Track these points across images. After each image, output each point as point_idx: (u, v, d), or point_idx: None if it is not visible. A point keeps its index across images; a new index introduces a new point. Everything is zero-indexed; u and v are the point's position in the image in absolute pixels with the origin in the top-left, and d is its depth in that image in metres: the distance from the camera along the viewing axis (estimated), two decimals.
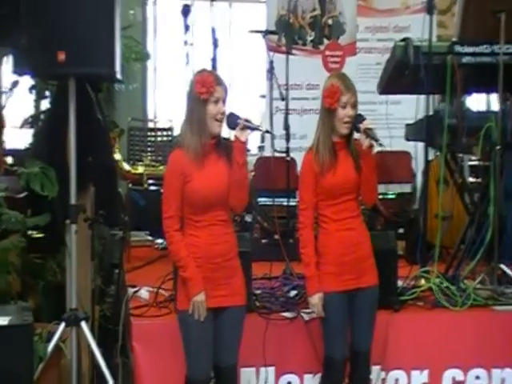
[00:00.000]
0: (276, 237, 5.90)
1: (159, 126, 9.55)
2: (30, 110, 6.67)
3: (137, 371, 4.51)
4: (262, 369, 4.57)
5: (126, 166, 7.43)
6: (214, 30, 5.48)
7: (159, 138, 8.96)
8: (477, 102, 6.08)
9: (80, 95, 4.78)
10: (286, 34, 7.89)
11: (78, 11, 4.45)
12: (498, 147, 5.23)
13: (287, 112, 6.33)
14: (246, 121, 3.76)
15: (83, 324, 4.61)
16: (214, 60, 5.44)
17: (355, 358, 4.17)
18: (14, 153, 7.12)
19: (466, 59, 5.34)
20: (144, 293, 5.15)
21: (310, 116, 8.14)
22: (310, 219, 4.10)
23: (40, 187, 4.83)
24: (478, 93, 6.08)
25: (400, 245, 5.75)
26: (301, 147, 7.41)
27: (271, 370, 4.61)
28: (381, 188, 4.96)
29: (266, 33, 6.74)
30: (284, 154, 6.32)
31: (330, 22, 8.51)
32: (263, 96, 8.26)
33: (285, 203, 6.28)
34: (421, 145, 5.46)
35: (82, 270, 4.88)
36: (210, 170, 3.79)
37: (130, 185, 7.34)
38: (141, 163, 7.75)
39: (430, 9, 5.33)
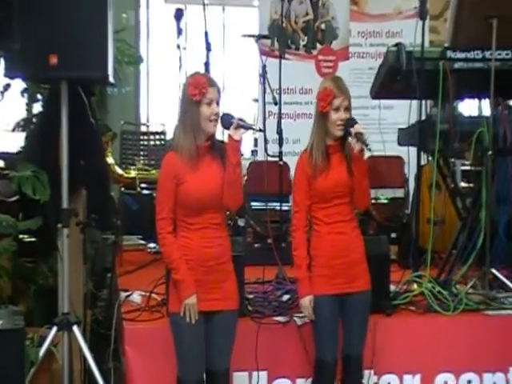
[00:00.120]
0: (269, 241, 5.90)
1: (152, 129, 9.54)
2: (22, 114, 6.67)
3: (129, 375, 4.50)
4: (255, 373, 4.56)
5: (119, 170, 7.41)
6: (206, 34, 5.46)
7: (152, 142, 8.94)
8: (469, 107, 6.09)
9: (72, 99, 4.78)
10: (279, 39, 7.88)
11: (70, 14, 4.47)
12: (490, 152, 5.25)
13: (280, 116, 6.33)
14: (240, 120, 3.78)
15: (75, 328, 4.61)
16: (206, 64, 5.42)
17: (347, 362, 4.18)
18: (5, 156, 7.10)
19: (458, 65, 5.35)
20: (136, 297, 5.14)
21: (303, 120, 8.16)
22: (303, 221, 4.11)
23: (32, 191, 4.81)
24: (470, 98, 6.08)
25: (392, 249, 5.75)
26: (294, 151, 7.44)
27: (264, 374, 4.60)
28: (373, 192, 4.97)
29: (259, 37, 6.73)
30: (277, 159, 6.31)
31: (322, 26, 8.52)
32: (256, 100, 8.28)
33: (278, 207, 6.28)
34: (413, 150, 5.46)
35: (73, 274, 4.86)
36: (204, 172, 3.80)
37: (123, 189, 7.32)
38: (133, 167, 7.72)
39: (422, 14, 5.35)
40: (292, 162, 6.24)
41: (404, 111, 5.48)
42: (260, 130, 4.09)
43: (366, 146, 3.92)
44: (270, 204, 6.32)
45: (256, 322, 4.60)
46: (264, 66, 6.30)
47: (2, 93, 6.18)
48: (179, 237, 3.83)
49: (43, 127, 5.51)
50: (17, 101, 6.50)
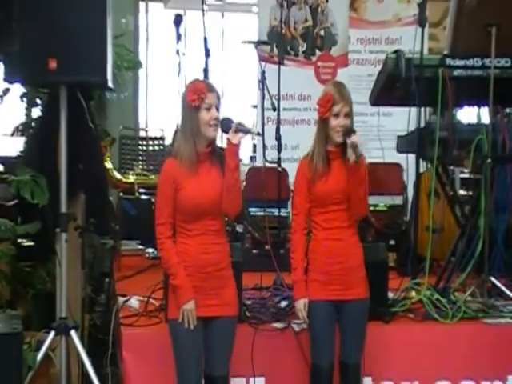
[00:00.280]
0: (267, 247, 5.89)
1: (151, 134, 9.53)
2: (21, 118, 6.66)
3: (126, 381, 4.49)
4: (252, 379, 4.56)
5: (117, 175, 7.42)
6: (206, 40, 5.47)
7: (150, 147, 8.94)
8: (468, 114, 6.09)
9: (71, 103, 4.78)
10: (278, 45, 7.89)
11: (69, 19, 4.47)
12: (489, 160, 5.25)
13: (279, 122, 6.33)
14: (239, 124, 3.78)
15: (73, 333, 4.60)
16: (205, 70, 5.42)
17: (345, 370, 4.16)
18: (4, 160, 7.10)
19: (457, 72, 5.37)
20: (134, 302, 5.13)
21: (302, 126, 8.17)
22: (302, 225, 4.12)
23: (30, 195, 4.81)
24: (469, 106, 6.09)
25: (391, 256, 5.74)
26: (292, 158, 7.47)
27: (261, 380, 4.60)
28: (372, 199, 4.97)
29: (258, 43, 6.74)
30: (275, 165, 6.31)
31: (322, 33, 8.53)
32: (255, 106, 8.29)
33: (276, 214, 6.27)
34: (412, 157, 5.47)
35: (72, 278, 4.86)
36: (203, 178, 3.80)
37: (121, 194, 7.32)
38: (132, 172, 7.73)
39: (421, 21, 5.36)
40: (291, 168, 6.27)
41: (403, 118, 5.50)
42: (258, 134, 4.08)
43: (357, 159, 3.90)
44: (268, 210, 6.32)
45: (254, 328, 4.59)
46: (263, 72, 6.30)
47: (2, 97, 6.18)
48: (178, 243, 3.84)
49: (42, 131, 5.52)
50: (16, 105, 6.49)
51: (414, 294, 5.14)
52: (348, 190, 4.01)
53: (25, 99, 6.41)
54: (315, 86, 8.18)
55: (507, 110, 5.77)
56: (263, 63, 6.44)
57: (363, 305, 4.11)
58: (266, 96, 6.25)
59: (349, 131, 3.96)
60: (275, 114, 6.36)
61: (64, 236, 4.66)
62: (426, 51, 5.53)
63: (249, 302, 5.04)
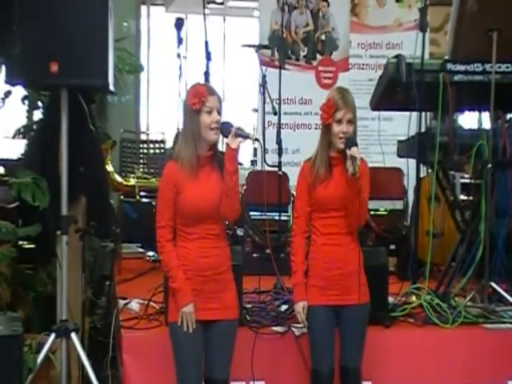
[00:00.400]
0: (267, 251, 5.89)
1: (152, 138, 9.55)
2: (23, 121, 6.67)
3: (126, 383, 4.49)
4: (252, 383, 4.55)
5: (118, 178, 7.42)
6: (207, 44, 5.48)
7: (151, 150, 8.95)
8: (469, 119, 6.10)
9: (72, 106, 4.78)
10: (279, 49, 7.90)
11: (71, 22, 4.47)
12: (490, 165, 5.25)
13: (279, 126, 6.33)
14: (238, 129, 3.78)
15: (73, 335, 4.60)
16: (206, 73, 5.43)
17: (345, 375, 4.16)
18: (5, 163, 7.11)
19: (457, 77, 5.37)
20: (134, 305, 5.14)
21: (303, 131, 8.17)
22: (302, 228, 4.13)
23: (31, 197, 4.82)
24: (470, 111, 6.09)
25: (391, 261, 5.75)
26: (293, 162, 7.48)
27: None
28: (372, 204, 4.97)
29: (259, 47, 6.75)
30: (276, 169, 6.32)
31: (322, 37, 8.53)
32: (256, 110, 8.29)
33: (276, 217, 6.28)
34: (413, 161, 5.47)
35: (72, 281, 4.86)
36: (203, 182, 3.81)
37: (122, 197, 7.32)
38: (133, 175, 7.72)
39: (422, 26, 5.36)
40: (291, 172, 6.28)
41: (404, 123, 5.50)
42: (256, 139, 4.07)
43: (354, 171, 3.88)
44: (268, 214, 6.31)
45: (254, 332, 4.60)
46: (264, 76, 6.31)
47: (3, 100, 6.19)
48: (178, 246, 3.85)
49: (43, 134, 5.52)
50: (17, 108, 6.50)
51: (414, 298, 5.14)
52: (346, 198, 4.01)
53: (26, 102, 6.43)
54: (316, 91, 8.19)
55: (508, 116, 5.76)
56: (264, 67, 6.44)
57: (363, 310, 4.11)
58: (267, 100, 6.25)
59: (350, 142, 3.95)
60: (276, 118, 6.36)
61: (65, 239, 4.67)
62: (426, 56, 5.51)
63: (249, 306, 5.04)
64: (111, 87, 4.73)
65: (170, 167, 3.85)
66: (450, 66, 5.37)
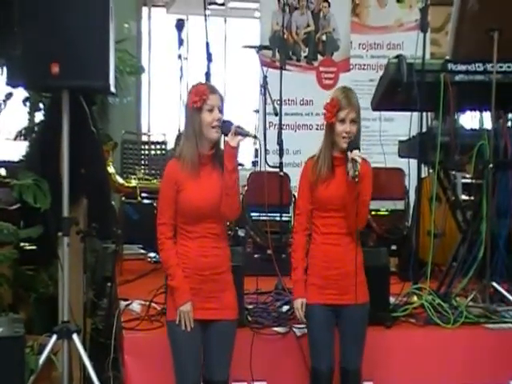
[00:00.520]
0: (269, 252, 5.90)
1: (153, 139, 9.55)
2: (24, 122, 6.68)
3: None
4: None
5: (120, 179, 7.42)
6: (208, 45, 5.48)
7: (153, 152, 8.97)
8: (471, 119, 6.09)
9: (74, 108, 4.78)
10: (280, 50, 7.91)
11: (72, 24, 4.47)
12: (491, 165, 5.25)
13: (281, 127, 6.33)
14: (238, 127, 3.79)
15: (75, 337, 4.61)
16: (207, 74, 5.43)
17: (345, 376, 4.16)
18: (7, 164, 7.12)
19: (458, 77, 5.36)
20: (136, 306, 5.14)
21: (304, 131, 8.18)
22: (303, 225, 4.14)
23: (33, 199, 4.82)
24: (471, 111, 6.09)
25: (392, 261, 5.75)
26: (294, 162, 7.49)
27: None
28: (373, 204, 4.96)
29: (260, 48, 6.75)
30: (277, 169, 6.32)
31: (323, 38, 8.54)
32: (257, 111, 8.29)
33: (278, 218, 6.28)
34: (414, 162, 5.47)
35: (74, 282, 4.87)
36: (204, 182, 3.82)
37: (123, 198, 7.32)
38: (134, 176, 7.73)
39: (423, 27, 5.36)
40: (292, 172, 6.28)
41: (405, 123, 5.50)
42: (255, 137, 4.07)
43: (354, 174, 3.88)
44: (270, 215, 6.32)
45: (255, 333, 4.60)
46: (265, 77, 6.31)
47: (5, 101, 6.20)
48: (178, 244, 3.86)
49: (44, 136, 5.53)
50: (19, 110, 6.51)
51: (415, 298, 5.14)
52: (347, 199, 4.01)
53: (27, 103, 6.43)
54: (317, 91, 8.21)
55: (510, 115, 5.76)
56: (265, 68, 6.45)
57: (362, 310, 4.11)
58: (268, 101, 6.26)
59: (352, 145, 3.95)
60: (277, 118, 6.37)
61: (66, 240, 4.67)
62: (427, 56, 5.51)
63: (250, 307, 5.04)
64: (112, 89, 4.73)
65: (172, 165, 3.86)
66: (450, 65, 5.36)
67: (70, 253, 4.71)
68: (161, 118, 10.66)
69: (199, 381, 3.89)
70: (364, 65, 8.80)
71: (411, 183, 5.96)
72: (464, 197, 7.55)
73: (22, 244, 5.65)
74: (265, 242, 6.36)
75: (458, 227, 5.83)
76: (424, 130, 5.39)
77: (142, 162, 8.81)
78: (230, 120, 3.85)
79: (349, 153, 3.93)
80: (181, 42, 5.86)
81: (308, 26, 8.50)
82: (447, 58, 5.56)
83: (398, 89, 5.35)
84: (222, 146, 3.93)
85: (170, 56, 6.41)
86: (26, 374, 4.35)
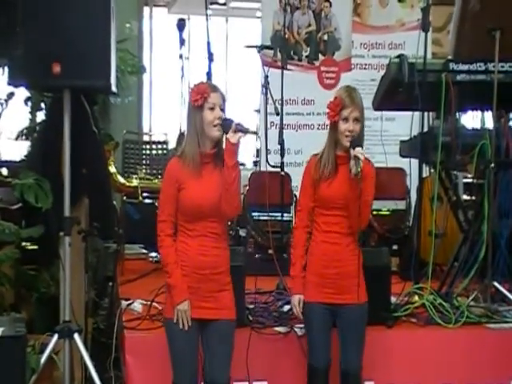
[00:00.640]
0: (270, 252, 5.90)
1: (154, 139, 9.54)
2: (26, 122, 6.68)
3: None
4: (254, 383, 4.56)
5: (121, 179, 7.42)
6: (209, 44, 5.48)
7: (154, 151, 8.95)
8: (472, 119, 6.09)
9: (75, 107, 4.78)
10: (282, 49, 7.88)
11: (73, 23, 4.47)
12: (492, 165, 5.25)
13: (282, 127, 6.33)
14: (238, 124, 3.79)
15: (76, 336, 4.60)
16: (209, 74, 5.44)
17: (345, 377, 4.16)
18: (8, 164, 7.12)
19: (460, 77, 5.36)
20: (137, 306, 5.13)
21: (305, 131, 8.16)
22: (304, 222, 4.15)
23: (34, 199, 4.82)
24: (473, 110, 6.09)
25: (394, 261, 5.75)
26: (295, 162, 7.48)
27: None
28: (375, 204, 4.95)
29: (262, 48, 6.73)
30: (278, 169, 6.31)
31: (325, 37, 8.53)
32: (258, 111, 8.29)
33: (279, 218, 6.27)
34: (415, 161, 5.47)
35: (75, 282, 4.87)
36: (205, 180, 3.83)
37: (125, 198, 7.32)
38: (135, 176, 7.72)
39: (424, 26, 5.36)
40: (294, 172, 6.27)
41: (406, 123, 5.50)
42: (255, 133, 4.07)
43: (357, 172, 3.88)
44: (271, 214, 6.31)
45: (256, 332, 4.59)
46: (266, 77, 6.29)
47: (6, 101, 6.20)
48: (178, 242, 3.87)
49: (46, 136, 5.53)
50: (20, 109, 6.51)
51: (416, 298, 5.13)
52: (349, 198, 4.01)
53: (29, 103, 6.44)
54: (318, 91, 8.19)
55: (511, 115, 5.76)
56: (266, 68, 6.43)
57: (360, 310, 4.11)
58: (269, 100, 6.24)
59: (355, 142, 3.95)
60: (278, 118, 6.35)
61: (67, 240, 4.67)
62: (429, 56, 5.52)
63: (251, 306, 5.04)
64: (114, 88, 4.73)
65: (174, 163, 3.87)
66: (452, 65, 5.37)
67: (72, 252, 4.71)
68: (162, 118, 10.67)
69: (195, 377, 3.89)
70: (365, 64, 8.79)
71: (412, 183, 5.95)
72: (465, 197, 7.57)
73: (23, 244, 5.65)
74: (266, 242, 6.35)
75: (460, 227, 5.83)
76: (425, 129, 5.39)
77: (144, 162, 8.79)
78: (230, 118, 3.85)
79: (351, 150, 3.93)
80: (182, 42, 5.86)
81: (309, 25, 8.49)
82: (449, 57, 5.57)
83: (400, 88, 5.36)
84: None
85: (171, 56, 6.42)
86: (28, 374, 4.35)
